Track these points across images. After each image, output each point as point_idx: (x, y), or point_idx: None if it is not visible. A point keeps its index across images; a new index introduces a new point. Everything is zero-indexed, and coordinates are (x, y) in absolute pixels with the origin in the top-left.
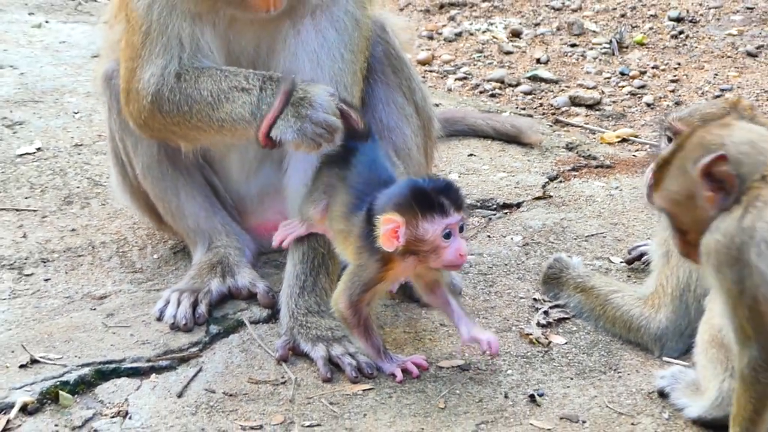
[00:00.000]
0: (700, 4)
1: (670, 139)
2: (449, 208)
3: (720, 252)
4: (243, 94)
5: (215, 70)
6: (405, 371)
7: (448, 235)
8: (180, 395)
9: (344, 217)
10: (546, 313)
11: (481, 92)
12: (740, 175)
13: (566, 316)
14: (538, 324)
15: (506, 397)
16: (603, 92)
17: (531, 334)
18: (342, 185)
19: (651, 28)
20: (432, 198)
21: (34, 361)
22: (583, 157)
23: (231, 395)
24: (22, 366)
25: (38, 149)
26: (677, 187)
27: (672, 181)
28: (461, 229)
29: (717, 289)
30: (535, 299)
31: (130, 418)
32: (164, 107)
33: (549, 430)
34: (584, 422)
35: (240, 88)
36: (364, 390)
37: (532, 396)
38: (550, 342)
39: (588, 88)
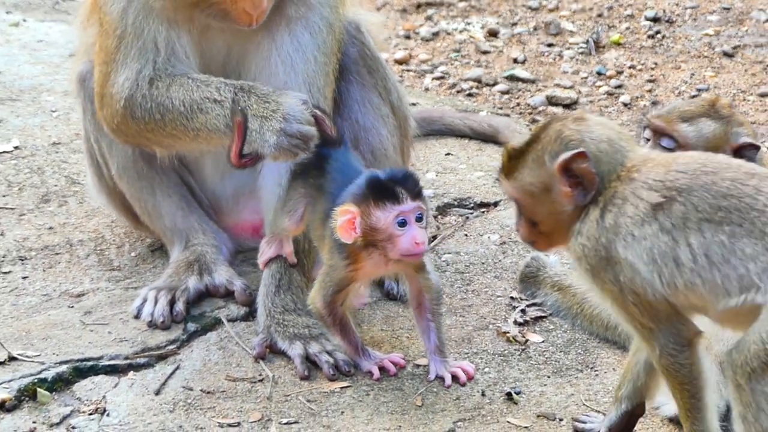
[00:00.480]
0: (677, 4)
1: (648, 139)
2: (403, 195)
3: (590, 256)
4: (216, 106)
5: (187, 79)
6: (382, 369)
7: (402, 223)
8: (158, 392)
9: (321, 223)
10: (523, 311)
11: (458, 92)
12: (599, 173)
13: (543, 314)
14: (515, 322)
15: (483, 395)
16: (580, 92)
17: (508, 333)
18: (319, 193)
19: (628, 28)
20: (385, 186)
21: (12, 359)
22: None
23: (208, 392)
24: (2, 364)
25: (16, 147)
26: (532, 179)
27: (527, 173)
28: (419, 219)
29: (599, 293)
30: (512, 297)
31: (107, 415)
32: (137, 113)
33: (526, 428)
34: (561, 420)
35: (212, 99)
36: (341, 388)
37: (509, 394)
38: (527, 340)
39: (565, 88)
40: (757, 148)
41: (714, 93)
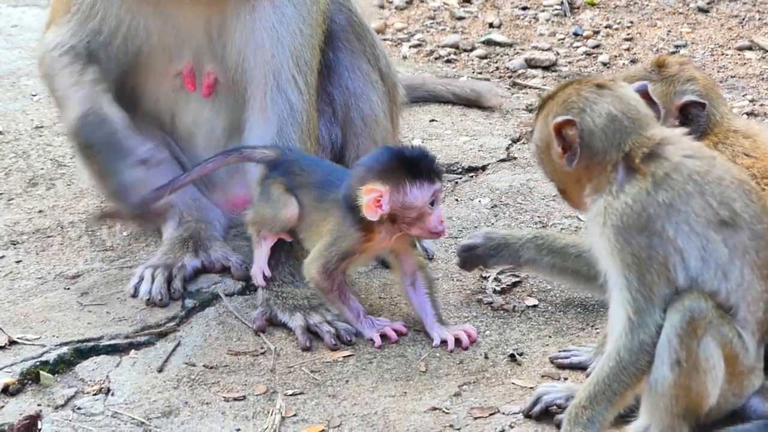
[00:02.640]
0: None
1: None
2: (435, 175)
3: (627, 215)
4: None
5: (78, 73)
6: (384, 336)
7: (432, 203)
8: (160, 370)
9: (315, 207)
10: (497, 279)
11: (436, 58)
12: (589, 144)
13: (518, 278)
14: (495, 291)
15: (486, 357)
16: (558, 53)
17: (492, 303)
18: (301, 185)
19: None
20: (420, 165)
21: (12, 343)
22: None
23: (211, 368)
24: (0, 347)
25: None
26: (539, 134)
27: (538, 127)
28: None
29: (616, 252)
30: (482, 276)
31: (112, 394)
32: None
33: (531, 388)
34: (566, 379)
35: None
36: (344, 357)
37: (512, 355)
38: (514, 306)
39: (543, 50)
40: (702, 105)
41: (692, 49)
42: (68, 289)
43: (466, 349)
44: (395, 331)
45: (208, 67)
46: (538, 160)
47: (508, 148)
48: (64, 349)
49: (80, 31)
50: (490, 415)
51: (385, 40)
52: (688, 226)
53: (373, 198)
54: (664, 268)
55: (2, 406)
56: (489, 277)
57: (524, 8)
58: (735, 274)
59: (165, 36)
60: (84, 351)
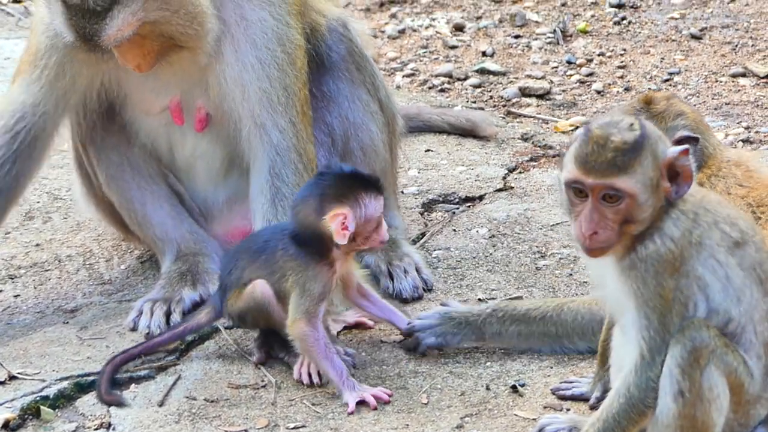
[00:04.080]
0: None
1: None
2: (378, 183)
3: (667, 261)
4: None
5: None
6: (361, 403)
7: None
8: (161, 404)
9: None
10: None
11: (429, 88)
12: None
13: None
14: None
15: (488, 389)
16: (552, 82)
17: None
18: (250, 269)
19: (593, 16)
20: (365, 177)
21: (12, 378)
22: (539, 147)
23: (212, 401)
24: (0, 383)
25: None
26: (653, 172)
27: (649, 165)
28: None
29: (644, 294)
30: (479, 299)
31: (113, 429)
32: None
33: (534, 420)
34: (568, 410)
35: None
36: None
37: (513, 387)
38: None
39: (537, 79)
40: (696, 139)
41: (685, 76)
42: (67, 323)
43: None
44: (375, 397)
45: (198, 102)
46: (637, 205)
47: (504, 178)
48: (65, 383)
49: (50, 92)
50: None
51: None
52: (713, 259)
53: (340, 222)
54: (683, 308)
55: None
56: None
57: (517, 36)
58: (746, 295)
59: (144, 84)
60: (84, 385)
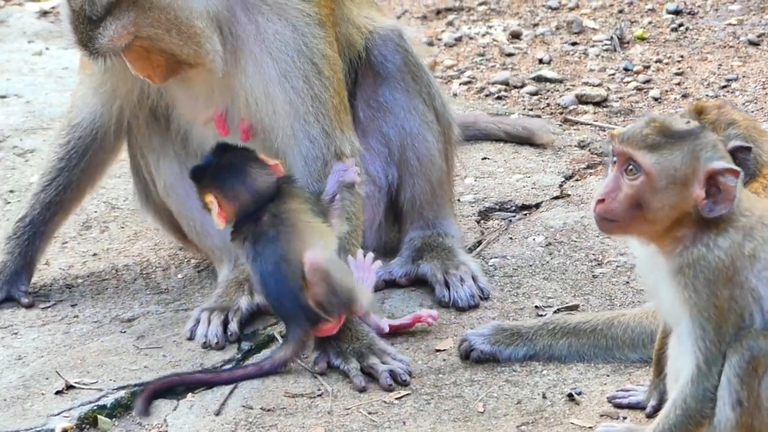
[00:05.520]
0: None
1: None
2: None
3: (719, 270)
4: None
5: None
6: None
7: None
8: (218, 413)
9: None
10: (559, 311)
11: (486, 95)
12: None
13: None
14: None
15: (544, 397)
16: (609, 89)
17: None
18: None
19: (650, 23)
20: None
21: (69, 387)
22: (596, 154)
23: (269, 410)
24: (57, 392)
25: None
26: (678, 165)
27: (679, 157)
28: None
29: (698, 304)
30: (536, 306)
31: None
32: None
33: (590, 428)
34: (625, 419)
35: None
36: (400, 397)
37: (570, 395)
38: None
39: (594, 86)
40: (748, 149)
41: (743, 82)
42: (124, 332)
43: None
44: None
45: (241, 113)
46: (651, 190)
47: (561, 186)
48: (122, 393)
49: (95, 99)
50: None
51: (435, 77)
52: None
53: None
54: (739, 319)
55: None
56: (545, 315)
57: (574, 44)
58: None
59: (185, 94)
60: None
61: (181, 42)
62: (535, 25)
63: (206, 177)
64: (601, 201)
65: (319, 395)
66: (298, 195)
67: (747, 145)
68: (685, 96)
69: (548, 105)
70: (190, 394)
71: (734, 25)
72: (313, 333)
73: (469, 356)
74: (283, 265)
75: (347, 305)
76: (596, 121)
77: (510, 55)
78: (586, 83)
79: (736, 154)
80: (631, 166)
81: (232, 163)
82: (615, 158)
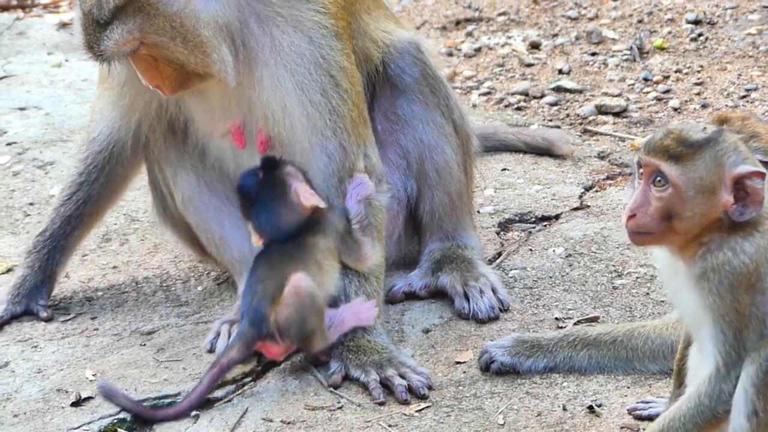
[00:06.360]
0: (717, 6)
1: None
2: None
3: (743, 275)
4: None
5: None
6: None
7: None
8: (238, 425)
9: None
10: (579, 323)
11: (506, 106)
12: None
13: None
14: None
15: (564, 409)
16: (628, 99)
17: None
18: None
19: (670, 32)
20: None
21: (89, 400)
22: (616, 165)
23: (289, 423)
24: (77, 405)
25: None
26: (704, 174)
27: (703, 166)
28: None
29: (720, 308)
30: (556, 318)
31: None
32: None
33: None
34: (644, 430)
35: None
36: (420, 410)
37: (590, 407)
38: None
39: (613, 96)
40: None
41: (763, 93)
42: (144, 345)
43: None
44: None
45: (259, 124)
46: (680, 200)
47: (581, 197)
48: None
49: (114, 112)
50: None
51: (454, 88)
52: None
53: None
54: (761, 324)
55: None
56: (565, 327)
57: (593, 54)
58: None
59: (202, 107)
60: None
61: (186, 51)
62: (555, 35)
63: (245, 204)
64: (632, 216)
65: (339, 408)
66: (324, 232)
67: (766, 159)
68: (704, 106)
69: (568, 115)
70: (210, 406)
71: (754, 34)
72: (257, 346)
73: (489, 368)
74: (274, 276)
75: (301, 340)
76: (616, 131)
77: (529, 65)
78: (605, 93)
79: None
80: (658, 178)
81: (267, 202)
82: (641, 170)
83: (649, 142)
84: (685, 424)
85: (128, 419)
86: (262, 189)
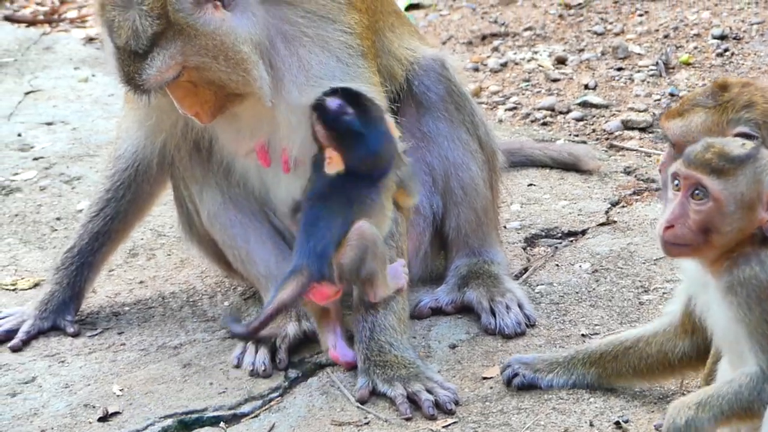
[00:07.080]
0: (743, 21)
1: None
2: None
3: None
4: None
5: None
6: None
7: None
8: None
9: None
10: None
11: (532, 121)
12: None
13: None
14: None
15: (591, 425)
16: (655, 114)
17: None
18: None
19: (696, 48)
20: None
21: (116, 415)
22: (642, 180)
23: None
24: (104, 420)
25: None
26: (745, 190)
27: (744, 182)
28: None
29: (751, 321)
30: (582, 334)
31: None
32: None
33: None
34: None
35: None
36: (448, 425)
37: (617, 423)
38: None
39: (639, 111)
40: (753, 137)
41: None
42: (171, 360)
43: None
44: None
45: (283, 144)
46: (721, 214)
47: (607, 212)
48: (169, 421)
49: (140, 131)
50: None
51: (480, 103)
52: None
53: None
54: None
55: None
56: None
57: (619, 69)
58: None
59: (228, 126)
60: (188, 423)
61: (229, 69)
62: (581, 50)
63: (339, 134)
64: (670, 227)
65: (366, 423)
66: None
67: (752, 133)
68: None
69: (594, 131)
70: (237, 422)
71: None
72: (311, 288)
73: (511, 383)
74: (339, 219)
75: (363, 281)
76: (642, 146)
77: (555, 80)
78: (631, 108)
79: (741, 138)
80: (697, 191)
81: (375, 132)
82: (675, 181)
83: (689, 155)
84: (721, 404)
85: None
86: (364, 120)
